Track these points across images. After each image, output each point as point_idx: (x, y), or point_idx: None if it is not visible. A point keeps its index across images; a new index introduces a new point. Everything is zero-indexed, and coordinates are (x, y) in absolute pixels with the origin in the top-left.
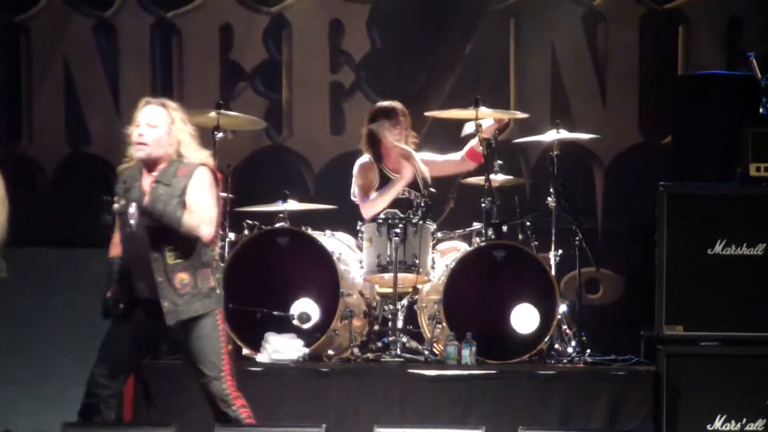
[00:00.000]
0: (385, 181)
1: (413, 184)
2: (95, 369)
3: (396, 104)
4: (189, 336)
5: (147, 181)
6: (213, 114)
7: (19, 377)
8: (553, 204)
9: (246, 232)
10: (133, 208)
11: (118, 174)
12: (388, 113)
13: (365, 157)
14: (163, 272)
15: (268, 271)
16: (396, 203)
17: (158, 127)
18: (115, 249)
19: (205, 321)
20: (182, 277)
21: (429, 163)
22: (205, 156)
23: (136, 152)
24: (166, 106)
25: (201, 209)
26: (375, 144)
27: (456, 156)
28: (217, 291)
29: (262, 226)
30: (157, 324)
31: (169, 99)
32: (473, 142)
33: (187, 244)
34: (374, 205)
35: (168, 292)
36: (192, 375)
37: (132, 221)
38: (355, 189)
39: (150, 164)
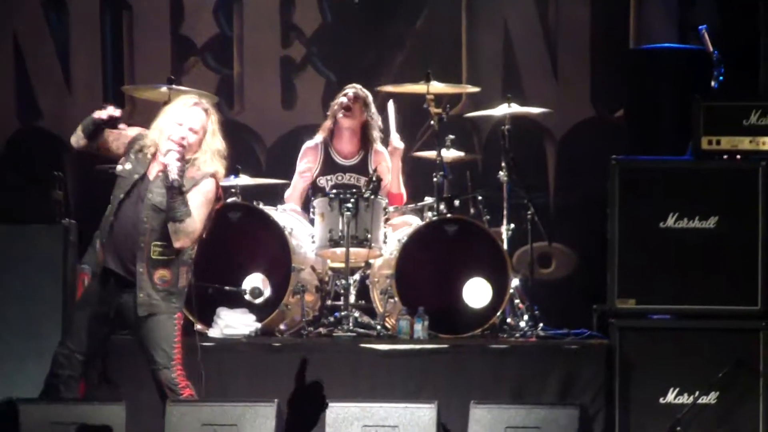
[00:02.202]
0: (328, 164)
1: (361, 170)
2: (58, 349)
3: (350, 93)
4: (144, 322)
5: (155, 168)
6: (164, 89)
7: None
8: (505, 178)
9: None
10: (171, 162)
11: (136, 137)
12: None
13: (309, 143)
14: (145, 264)
15: (220, 246)
16: (345, 188)
17: (198, 134)
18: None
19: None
20: (163, 274)
21: (383, 157)
22: (218, 166)
23: (172, 149)
24: (209, 114)
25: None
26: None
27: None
28: (185, 290)
29: None
30: (120, 299)
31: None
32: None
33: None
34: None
35: (146, 285)
36: (143, 359)
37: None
38: None
39: None
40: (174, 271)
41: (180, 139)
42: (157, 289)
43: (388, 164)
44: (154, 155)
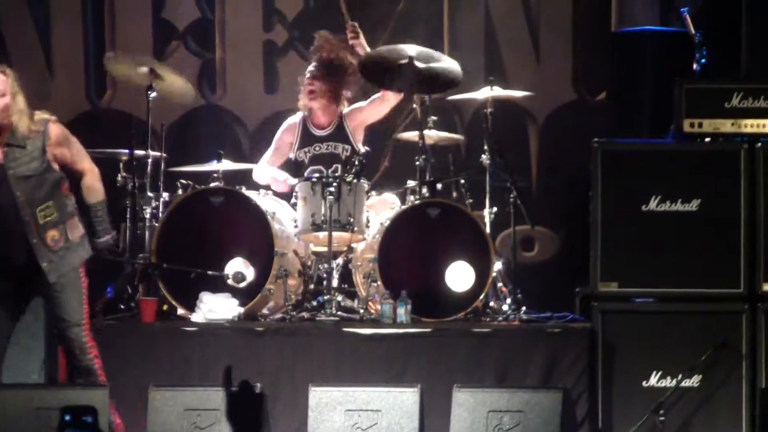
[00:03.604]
0: (305, 137)
1: (345, 139)
2: None
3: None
4: (54, 285)
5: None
6: (144, 68)
7: None
8: (488, 161)
9: (180, 191)
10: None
11: None
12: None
13: (291, 118)
14: (36, 233)
15: (203, 231)
16: (323, 157)
17: (5, 96)
18: None
19: (69, 271)
20: (53, 235)
21: (359, 111)
22: (43, 115)
23: None
24: (8, 75)
25: (83, 160)
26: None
27: (377, 95)
28: (84, 240)
29: (196, 186)
30: (26, 285)
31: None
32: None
33: (53, 201)
34: (260, 174)
35: (44, 252)
36: (53, 323)
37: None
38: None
39: None
40: (61, 228)
41: None
42: (53, 251)
43: (365, 118)
44: None
